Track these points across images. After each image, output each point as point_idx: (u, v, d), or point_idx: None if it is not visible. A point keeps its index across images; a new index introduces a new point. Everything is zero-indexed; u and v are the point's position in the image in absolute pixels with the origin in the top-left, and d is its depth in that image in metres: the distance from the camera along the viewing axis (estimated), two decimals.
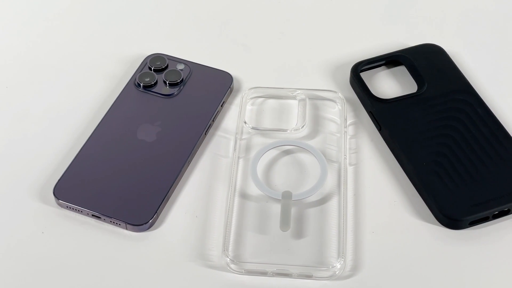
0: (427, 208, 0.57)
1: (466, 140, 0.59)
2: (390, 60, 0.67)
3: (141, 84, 0.64)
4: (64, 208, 0.57)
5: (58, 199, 0.57)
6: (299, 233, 0.55)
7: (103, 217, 0.56)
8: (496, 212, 0.55)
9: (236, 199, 0.57)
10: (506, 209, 0.55)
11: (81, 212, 0.56)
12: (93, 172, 0.58)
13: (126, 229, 0.56)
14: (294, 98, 0.64)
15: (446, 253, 0.54)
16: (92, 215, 0.56)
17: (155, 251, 0.55)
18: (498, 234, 0.55)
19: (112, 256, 0.55)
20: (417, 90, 0.64)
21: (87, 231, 0.56)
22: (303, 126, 0.61)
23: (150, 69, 0.65)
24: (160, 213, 0.57)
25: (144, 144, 0.60)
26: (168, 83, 0.64)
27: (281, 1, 0.74)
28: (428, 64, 0.65)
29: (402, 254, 0.55)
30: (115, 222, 0.56)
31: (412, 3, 0.74)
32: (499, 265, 0.54)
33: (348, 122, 0.63)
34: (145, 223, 0.56)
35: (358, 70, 0.65)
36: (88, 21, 0.73)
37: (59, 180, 0.58)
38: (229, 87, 0.64)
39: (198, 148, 0.61)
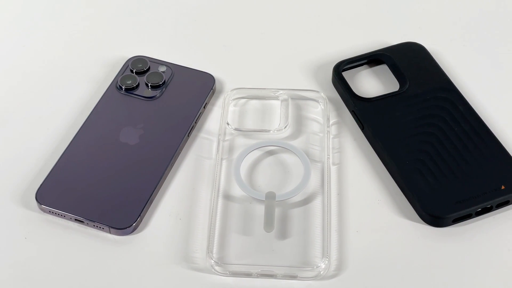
0: (411, 206, 0.57)
1: (449, 138, 0.59)
2: (372, 59, 0.67)
3: (123, 87, 0.64)
4: (47, 213, 0.57)
5: (41, 204, 0.56)
6: (283, 234, 0.55)
7: (86, 221, 0.56)
8: (479, 209, 0.56)
9: (220, 201, 0.57)
10: (488, 206, 0.56)
11: (64, 216, 0.56)
12: (76, 176, 0.58)
13: (110, 233, 0.56)
14: (276, 98, 0.64)
15: (430, 251, 0.55)
16: (75, 219, 0.56)
17: (139, 255, 0.55)
18: (481, 231, 0.55)
19: (96, 260, 0.55)
20: (399, 88, 0.64)
21: (70, 236, 0.56)
22: (286, 127, 0.61)
23: (131, 71, 0.65)
24: (144, 216, 0.57)
25: (126, 147, 0.60)
26: (150, 85, 0.64)
27: (262, 1, 0.74)
28: (410, 62, 0.65)
29: (386, 252, 0.55)
30: (99, 226, 0.55)
31: (393, 1, 0.74)
32: (482, 262, 0.54)
33: (331, 121, 0.63)
34: (129, 227, 0.55)
35: (340, 69, 0.65)
36: (69, 25, 0.72)
37: (41, 184, 0.57)
38: (211, 89, 0.64)
39: (181, 150, 0.61)
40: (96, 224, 0.55)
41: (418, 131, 0.60)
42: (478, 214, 0.56)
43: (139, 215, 0.56)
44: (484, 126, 0.60)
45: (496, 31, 0.71)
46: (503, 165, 0.58)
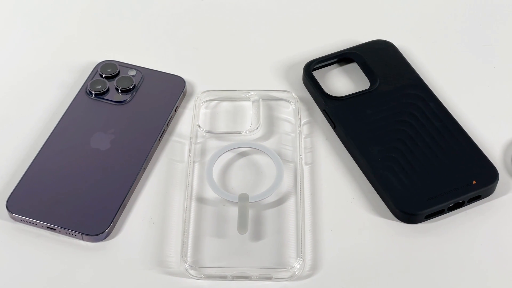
0: (384, 204, 0.57)
1: (420, 134, 0.60)
2: (342, 58, 0.67)
3: (93, 92, 0.63)
4: (18, 221, 0.56)
5: (12, 212, 0.56)
6: (257, 235, 0.55)
7: (58, 229, 0.55)
8: (451, 205, 0.56)
9: (193, 204, 0.57)
10: (461, 201, 0.56)
11: (35, 224, 0.55)
12: (47, 183, 0.58)
13: (83, 239, 0.55)
14: (247, 99, 0.64)
15: (403, 248, 0.55)
16: (47, 227, 0.55)
17: (113, 261, 0.54)
18: (454, 226, 0.56)
19: (69, 268, 0.54)
20: (370, 86, 0.64)
21: (42, 244, 0.55)
22: (257, 127, 0.61)
23: (101, 76, 0.65)
24: (117, 221, 0.56)
25: (98, 153, 0.60)
26: (120, 90, 0.64)
27: (230, 2, 0.74)
28: (379, 60, 0.66)
29: (360, 250, 0.55)
30: (71, 233, 0.55)
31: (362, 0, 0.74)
32: (455, 257, 0.54)
33: (303, 121, 0.63)
34: (102, 233, 0.55)
35: (311, 69, 0.65)
36: (37, 30, 0.72)
37: (11, 193, 0.57)
38: (182, 91, 0.64)
39: (153, 154, 0.60)
40: (68, 231, 0.55)
41: (389, 129, 0.60)
42: (451, 209, 0.56)
43: (112, 221, 0.55)
44: (454, 122, 0.61)
45: (465, 27, 0.71)
46: (473, 160, 0.58)
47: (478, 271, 0.53)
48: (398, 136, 0.60)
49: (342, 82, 0.66)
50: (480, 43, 0.69)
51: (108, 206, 0.56)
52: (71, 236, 0.55)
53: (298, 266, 0.53)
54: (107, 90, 0.64)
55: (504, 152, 0.60)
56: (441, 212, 0.56)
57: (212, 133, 0.61)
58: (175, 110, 0.63)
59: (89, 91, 0.63)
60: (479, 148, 0.59)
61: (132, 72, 0.65)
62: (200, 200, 0.57)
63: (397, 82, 0.64)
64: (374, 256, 0.54)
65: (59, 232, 0.55)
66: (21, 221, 0.56)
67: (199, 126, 0.61)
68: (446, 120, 0.61)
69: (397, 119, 0.61)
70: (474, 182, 0.56)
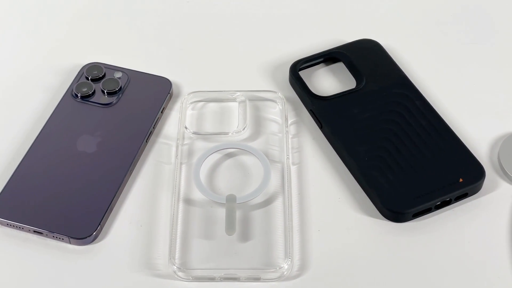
0: (371, 203, 0.57)
1: (406, 133, 0.60)
2: (328, 58, 0.67)
3: (79, 95, 0.63)
4: (5, 226, 0.56)
5: None
6: (245, 236, 0.55)
7: (45, 233, 0.55)
8: (438, 203, 0.56)
9: (181, 206, 0.57)
10: (448, 199, 0.56)
11: (22, 229, 0.55)
12: (33, 187, 0.57)
13: (70, 243, 0.55)
14: (234, 100, 0.63)
15: (391, 246, 0.55)
16: (34, 231, 0.55)
17: (100, 264, 0.54)
18: (441, 225, 0.56)
19: (57, 271, 0.54)
20: (356, 86, 0.64)
21: (29, 248, 0.55)
22: (244, 128, 0.61)
23: (87, 78, 0.64)
24: (104, 224, 0.56)
25: (84, 156, 0.59)
26: (106, 92, 0.63)
27: (216, 4, 0.74)
28: (366, 59, 0.66)
29: (348, 250, 0.55)
30: (58, 236, 0.55)
31: None
32: (443, 255, 0.54)
33: (289, 121, 0.63)
34: (89, 236, 0.55)
35: (297, 69, 0.65)
36: (22, 33, 0.71)
37: None
38: (169, 93, 0.64)
39: (140, 156, 0.60)
40: (55, 235, 0.55)
41: (376, 128, 0.60)
42: (438, 207, 0.56)
43: (99, 224, 0.55)
44: (440, 120, 0.61)
45: (451, 25, 0.71)
46: (460, 158, 0.58)
47: (465, 268, 0.54)
48: (385, 135, 0.60)
49: (329, 82, 0.66)
50: (466, 41, 0.70)
51: (95, 209, 0.56)
52: (58, 240, 0.55)
53: (286, 267, 0.53)
54: (93, 93, 0.63)
55: (491, 150, 0.60)
56: (428, 211, 0.56)
57: (199, 134, 0.61)
58: (161, 112, 0.63)
59: (75, 93, 0.63)
60: (465, 146, 0.59)
61: (118, 74, 0.65)
62: (188, 201, 0.57)
63: (383, 81, 0.64)
64: (362, 255, 0.54)
65: (46, 236, 0.55)
66: (8, 225, 0.55)
67: (185, 128, 0.61)
68: (432, 119, 0.61)
69: (384, 118, 0.61)
70: (461, 180, 0.57)
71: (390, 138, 0.59)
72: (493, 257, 0.54)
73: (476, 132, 0.61)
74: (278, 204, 0.57)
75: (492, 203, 0.57)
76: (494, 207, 0.57)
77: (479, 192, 0.57)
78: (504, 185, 0.58)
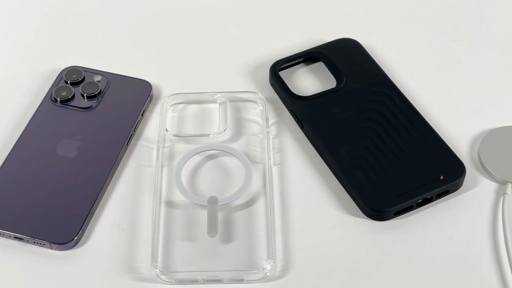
0: (353, 202, 0.57)
1: (387, 132, 0.60)
2: (308, 57, 0.67)
3: (58, 99, 0.63)
4: None
5: None
6: (227, 238, 0.55)
7: (26, 238, 0.54)
8: (420, 201, 0.56)
9: (162, 208, 0.57)
10: (429, 196, 0.56)
11: (2, 235, 0.55)
12: (13, 192, 0.57)
13: (51, 248, 0.54)
14: (214, 102, 0.63)
15: (374, 245, 0.55)
16: (15, 237, 0.55)
17: (83, 269, 0.54)
18: (423, 222, 0.56)
19: (39, 278, 0.53)
20: (336, 85, 0.64)
21: (10, 254, 0.54)
22: (225, 130, 0.61)
23: (66, 82, 0.64)
24: (85, 229, 0.56)
25: (65, 160, 0.59)
26: (86, 95, 0.63)
27: (194, 5, 0.73)
28: (345, 58, 0.66)
29: (331, 249, 0.55)
30: (39, 242, 0.54)
31: None
32: (425, 252, 0.54)
33: (270, 122, 0.63)
34: (70, 241, 0.54)
35: (277, 69, 0.65)
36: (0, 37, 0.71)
37: None
38: (149, 95, 0.64)
39: (121, 159, 0.60)
40: (36, 240, 0.54)
41: (356, 127, 0.60)
42: (419, 205, 0.57)
43: (81, 229, 0.55)
44: (421, 118, 0.61)
45: (429, 23, 0.72)
46: (441, 155, 0.58)
47: (448, 265, 0.54)
48: (366, 134, 0.60)
49: (309, 82, 0.66)
50: (444, 38, 0.70)
51: (76, 213, 0.56)
52: (40, 246, 0.54)
53: (269, 267, 0.53)
54: (73, 97, 0.63)
55: (471, 147, 0.61)
56: (410, 208, 0.56)
57: (180, 136, 0.61)
58: (142, 115, 0.63)
59: (54, 98, 0.63)
60: (445, 143, 0.59)
61: (97, 78, 0.64)
62: (169, 204, 0.57)
63: (363, 80, 0.64)
64: (345, 255, 0.55)
65: (27, 241, 0.55)
66: None
67: (166, 130, 0.61)
68: (412, 117, 0.61)
69: (364, 117, 0.61)
70: (441, 177, 0.57)
71: (371, 137, 0.60)
72: (475, 253, 0.54)
73: (456, 129, 0.61)
74: (260, 205, 0.57)
75: (473, 199, 0.57)
76: (475, 204, 0.57)
77: (460, 189, 0.58)
78: (484, 181, 0.58)
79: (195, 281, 0.53)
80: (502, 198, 0.57)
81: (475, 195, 0.58)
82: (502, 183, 0.58)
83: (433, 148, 0.59)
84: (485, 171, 0.59)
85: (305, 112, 0.62)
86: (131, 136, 0.61)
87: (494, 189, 0.58)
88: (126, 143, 0.60)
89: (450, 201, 0.57)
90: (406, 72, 0.66)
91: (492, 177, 0.58)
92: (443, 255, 0.54)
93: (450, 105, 0.64)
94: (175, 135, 0.61)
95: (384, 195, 0.56)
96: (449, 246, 0.55)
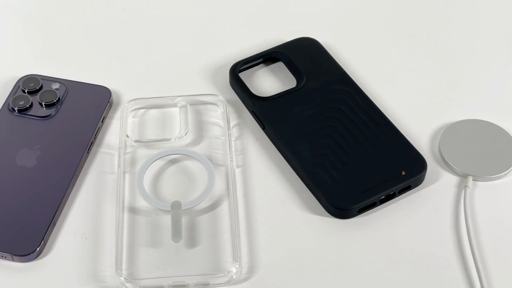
0: (317, 201, 0.57)
1: (348, 130, 0.60)
2: (267, 58, 0.67)
3: (16, 108, 0.62)
4: None
5: None
6: (192, 242, 0.55)
7: None
8: (383, 197, 0.57)
9: (126, 215, 0.56)
10: (391, 192, 0.57)
11: None
12: None
13: (13, 260, 0.54)
14: (175, 105, 0.63)
15: (339, 243, 0.55)
16: None
17: (46, 280, 0.53)
18: (387, 218, 0.56)
19: None
20: (296, 84, 0.64)
21: None
22: (186, 133, 0.61)
23: (23, 91, 0.63)
24: (48, 239, 0.55)
25: (24, 170, 0.58)
26: (44, 104, 0.62)
27: (152, 9, 0.73)
28: (305, 57, 0.66)
29: (296, 249, 0.55)
30: (0, 255, 0.53)
31: None
32: (390, 248, 0.55)
33: (232, 124, 0.62)
34: (32, 252, 0.54)
35: (237, 70, 0.65)
36: None
37: None
38: (108, 102, 0.63)
39: (82, 167, 0.59)
40: None
41: (318, 126, 0.60)
42: (382, 201, 0.57)
43: (43, 239, 0.54)
44: (381, 114, 0.61)
45: (388, 20, 0.72)
46: (402, 151, 0.59)
47: (411, 260, 0.54)
48: (327, 132, 0.60)
49: (269, 82, 0.66)
50: (403, 34, 0.70)
51: (37, 224, 0.55)
52: (1, 258, 0.54)
53: (235, 270, 0.53)
54: (31, 106, 0.62)
55: (431, 141, 0.61)
56: (373, 205, 0.57)
57: (141, 142, 0.61)
58: (102, 121, 0.62)
59: (12, 107, 0.62)
60: (406, 139, 0.59)
61: (55, 85, 0.64)
62: (133, 210, 0.57)
63: (323, 78, 0.64)
64: (310, 254, 0.55)
65: None
66: None
67: (127, 136, 0.61)
68: (373, 114, 0.61)
69: (325, 116, 0.61)
70: (403, 173, 0.57)
71: (332, 135, 0.60)
72: (438, 247, 0.55)
73: (416, 124, 0.62)
74: (224, 208, 0.57)
75: (435, 193, 0.58)
76: (437, 198, 0.58)
77: (422, 183, 0.58)
78: (446, 175, 0.59)
79: None
80: (463, 191, 0.57)
81: (437, 189, 0.58)
82: (463, 176, 0.58)
83: (394, 144, 0.59)
84: (446, 165, 0.59)
85: (266, 113, 0.62)
86: (92, 143, 0.61)
87: (456, 182, 0.58)
88: (86, 150, 0.60)
89: (412, 196, 0.57)
90: (365, 69, 0.66)
91: (453, 171, 0.59)
92: (406, 250, 0.55)
93: (410, 101, 0.64)
94: (136, 141, 0.61)
95: (347, 193, 0.56)
96: (412, 241, 0.55)
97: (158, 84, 0.66)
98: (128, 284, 0.52)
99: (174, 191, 0.58)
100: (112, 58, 0.68)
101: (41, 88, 0.63)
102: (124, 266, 0.53)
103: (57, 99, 0.63)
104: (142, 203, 0.57)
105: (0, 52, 0.69)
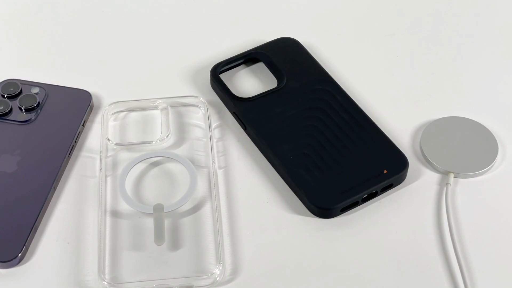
0: (299, 201, 0.57)
1: (330, 129, 0.60)
2: (248, 58, 0.67)
3: None
4: None
5: None
6: (175, 245, 0.54)
7: None
8: (365, 196, 0.57)
9: (108, 219, 0.56)
10: (374, 191, 0.57)
11: None
12: None
13: None
14: (156, 108, 0.63)
15: (322, 243, 0.55)
16: None
17: (29, 286, 0.53)
18: (369, 217, 0.56)
19: None
20: (277, 85, 0.64)
21: None
22: (168, 136, 0.61)
23: (2, 96, 0.63)
24: (29, 245, 0.55)
25: (4, 176, 0.58)
26: (24, 109, 0.62)
27: (131, 11, 0.73)
28: (285, 58, 0.66)
29: (279, 250, 0.55)
30: None
31: None
32: (373, 247, 0.55)
33: (213, 125, 0.62)
34: (14, 258, 0.53)
35: (217, 72, 0.65)
36: None
37: None
38: (89, 105, 0.63)
39: (63, 171, 0.59)
40: None
41: (299, 126, 0.60)
42: (365, 200, 0.57)
43: (24, 245, 0.54)
44: (362, 113, 0.61)
45: (367, 18, 0.72)
46: (383, 150, 0.59)
47: (394, 258, 0.54)
48: (309, 132, 0.60)
49: (250, 83, 0.66)
50: (382, 33, 0.71)
51: (19, 230, 0.54)
52: None
53: (218, 272, 0.53)
54: (10, 110, 0.62)
55: (412, 139, 0.61)
56: (355, 204, 0.57)
57: (123, 145, 0.60)
58: (82, 125, 0.62)
59: None
60: (387, 137, 0.60)
61: (35, 90, 0.63)
62: (115, 214, 0.56)
63: (304, 78, 0.64)
64: (294, 254, 0.55)
65: None
66: None
67: (108, 139, 0.60)
68: (354, 113, 0.61)
69: (307, 115, 0.61)
70: (385, 171, 0.57)
71: (314, 135, 0.60)
72: (421, 245, 0.55)
73: (397, 122, 0.62)
74: (206, 209, 0.57)
75: (417, 191, 0.58)
76: (419, 195, 0.58)
77: (404, 181, 0.58)
78: (427, 172, 0.59)
79: None
80: (445, 188, 0.58)
81: (419, 187, 0.58)
82: (445, 174, 0.59)
83: (376, 143, 0.59)
84: (428, 163, 0.59)
85: (247, 113, 0.62)
86: (73, 147, 0.60)
87: (437, 180, 0.59)
88: (67, 154, 0.59)
89: (394, 195, 0.58)
90: (346, 68, 0.66)
91: (434, 168, 0.59)
92: (389, 248, 0.55)
93: (391, 99, 0.64)
94: (117, 144, 0.60)
95: (329, 192, 0.56)
96: (395, 239, 0.55)
97: (139, 86, 0.66)
98: None
99: (156, 194, 0.58)
100: (92, 61, 0.68)
101: (20, 92, 0.63)
102: (107, 270, 0.53)
103: (37, 103, 0.62)
104: (124, 206, 0.57)
105: None
